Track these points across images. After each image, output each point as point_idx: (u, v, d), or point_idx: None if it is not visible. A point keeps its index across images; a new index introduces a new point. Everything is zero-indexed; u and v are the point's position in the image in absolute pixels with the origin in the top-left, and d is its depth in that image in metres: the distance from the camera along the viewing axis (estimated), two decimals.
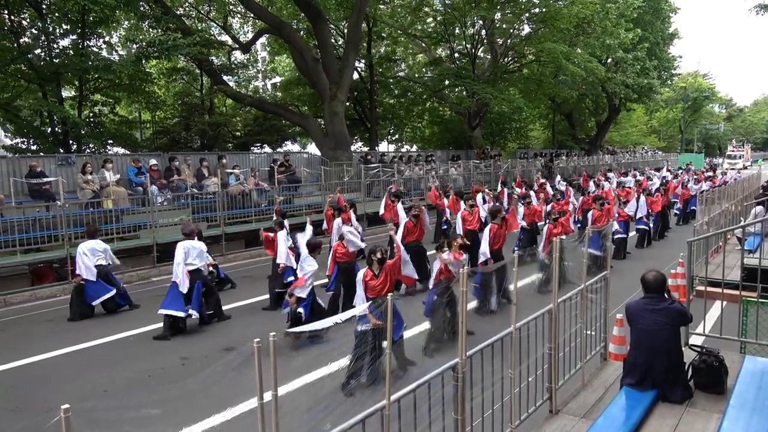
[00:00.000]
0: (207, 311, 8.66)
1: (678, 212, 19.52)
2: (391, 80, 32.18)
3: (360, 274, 6.25)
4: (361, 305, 5.66)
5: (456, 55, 31.89)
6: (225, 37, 26.01)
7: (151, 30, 20.06)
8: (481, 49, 31.88)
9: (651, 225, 15.14)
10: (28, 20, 16.91)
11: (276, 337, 2.60)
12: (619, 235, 12.99)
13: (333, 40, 25.22)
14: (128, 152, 20.92)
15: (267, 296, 9.80)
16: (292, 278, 9.04)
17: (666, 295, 4.76)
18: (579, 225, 14.11)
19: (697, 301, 6.89)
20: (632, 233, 14.82)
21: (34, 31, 17.00)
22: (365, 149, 29.24)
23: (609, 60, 34.23)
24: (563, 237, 8.70)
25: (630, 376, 4.71)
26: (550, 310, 4.81)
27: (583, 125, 44.94)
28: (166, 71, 24.17)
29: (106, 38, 20.17)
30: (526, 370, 4.57)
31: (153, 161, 14.92)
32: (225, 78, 25.26)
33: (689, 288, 6.63)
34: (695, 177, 23.75)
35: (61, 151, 16.87)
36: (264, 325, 8.37)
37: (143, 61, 17.35)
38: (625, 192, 16.21)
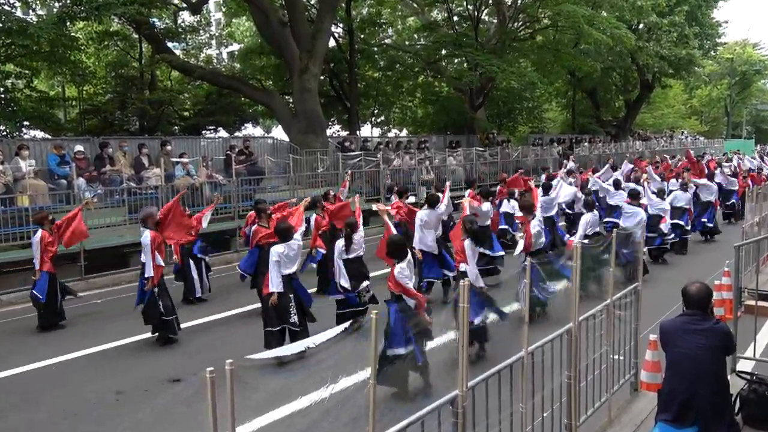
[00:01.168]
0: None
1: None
2: (376, 49, 32.17)
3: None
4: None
5: (455, 18, 31.99)
6: None
7: None
8: (485, 12, 32.02)
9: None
10: None
11: (234, 366, 2.59)
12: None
13: (305, 0, 25.19)
14: (49, 136, 20.63)
15: (218, 316, 10.02)
16: None
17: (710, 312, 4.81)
18: (608, 227, 14.28)
19: (745, 318, 6.99)
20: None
21: None
22: (344, 134, 29.22)
23: (641, 26, 34.60)
24: None
25: (666, 411, 4.75)
26: (569, 330, 4.85)
27: (610, 105, 45.37)
28: (97, 36, 23.92)
29: None
30: (540, 403, 4.59)
31: (79, 147, 14.75)
32: (170, 45, 25.07)
33: (737, 302, 6.73)
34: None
35: None
36: (216, 351, 8.32)
37: (68, 24, 17.14)
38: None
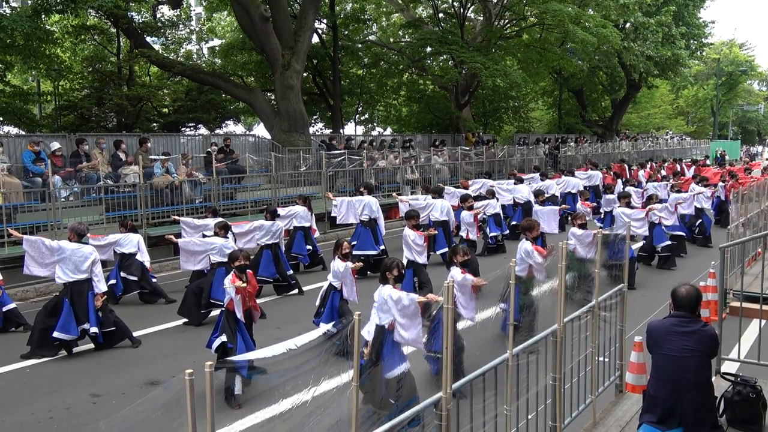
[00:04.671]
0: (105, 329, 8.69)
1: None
2: (360, 45, 32.15)
3: (382, 294, 6.14)
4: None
5: (441, 15, 32.06)
6: None
7: None
8: (471, 9, 32.13)
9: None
10: None
11: (213, 368, 2.58)
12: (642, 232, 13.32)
13: None
14: (24, 133, 20.41)
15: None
16: None
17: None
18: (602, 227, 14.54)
19: (730, 319, 7.08)
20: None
21: None
22: (327, 132, 29.17)
23: (627, 25, 34.88)
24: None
25: (651, 412, 4.80)
26: (555, 332, 4.88)
27: (596, 105, 45.75)
28: (73, 30, 23.71)
29: None
30: (525, 405, 4.62)
31: (56, 144, 14.60)
32: (149, 39, 24.88)
33: (722, 304, 6.80)
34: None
35: None
36: (195, 354, 8.28)
37: (43, 17, 16.96)
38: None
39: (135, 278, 10.85)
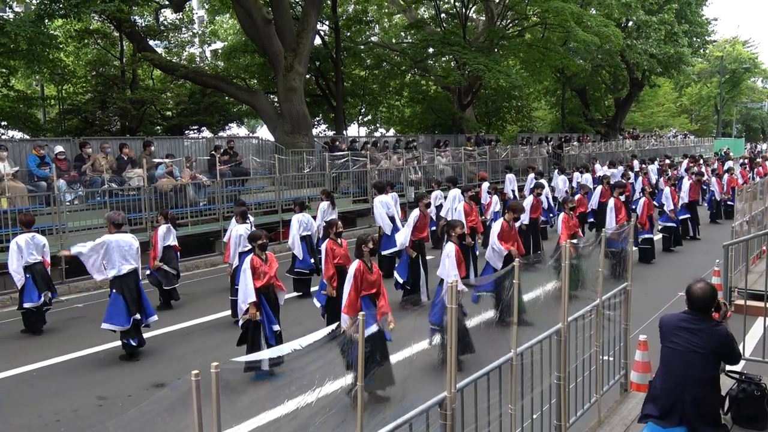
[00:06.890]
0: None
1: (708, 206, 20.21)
2: (362, 47, 32.17)
3: (351, 268, 6.71)
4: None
5: (443, 15, 32.07)
6: None
7: None
8: (473, 9, 32.12)
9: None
10: None
11: (219, 369, 2.59)
12: (646, 235, 13.35)
13: None
14: (28, 137, 20.47)
15: (201, 320, 10.00)
16: None
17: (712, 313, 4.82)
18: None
19: (735, 317, 7.07)
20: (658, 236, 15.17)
21: None
22: (330, 133, 29.20)
23: (629, 24, 34.82)
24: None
25: (653, 403, 4.78)
26: (559, 330, 4.89)
27: (599, 104, 45.64)
28: (76, 34, 23.75)
29: None
30: (529, 405, 4.63)
31: (60, 148, 14.66)
32: (152, 43, 24.92)
33: (726, 302, 6.79)
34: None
35: None
36: (200, 356, 8.31)
37: (46, 21, 17.03)
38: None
39: (175, 271, 11.02)
